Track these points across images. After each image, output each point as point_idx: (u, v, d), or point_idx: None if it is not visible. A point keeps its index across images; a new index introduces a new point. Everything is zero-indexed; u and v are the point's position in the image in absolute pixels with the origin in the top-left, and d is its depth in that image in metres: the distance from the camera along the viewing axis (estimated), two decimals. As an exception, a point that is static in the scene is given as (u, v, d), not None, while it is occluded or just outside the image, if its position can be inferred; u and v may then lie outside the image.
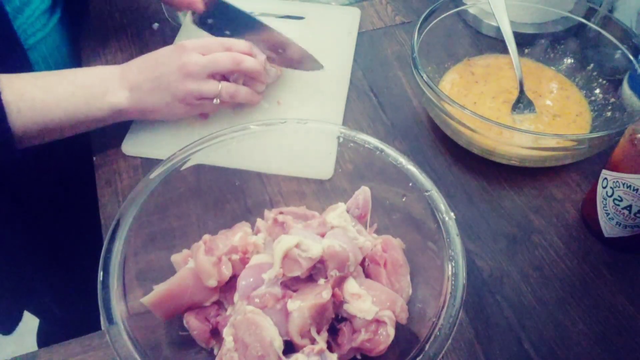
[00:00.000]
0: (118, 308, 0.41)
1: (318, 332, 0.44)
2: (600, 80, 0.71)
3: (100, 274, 0.42)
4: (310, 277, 0.45)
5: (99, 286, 0.42)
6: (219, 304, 0.48)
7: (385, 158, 0.51)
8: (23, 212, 0.76)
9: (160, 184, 0.49)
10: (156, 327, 0.46)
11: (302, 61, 0.69)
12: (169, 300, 0.46)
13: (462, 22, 0.80)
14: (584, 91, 0.72)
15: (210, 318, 0.47)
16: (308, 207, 0.54)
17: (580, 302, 0.54)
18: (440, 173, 0.65)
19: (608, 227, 0.56)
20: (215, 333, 0.47)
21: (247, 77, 0.65)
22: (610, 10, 0.77)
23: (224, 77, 0.64)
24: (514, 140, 0.59)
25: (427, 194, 0.48)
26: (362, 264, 0.49)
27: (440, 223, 0.46)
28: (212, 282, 0.46)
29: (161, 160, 0.51)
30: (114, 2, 0.88)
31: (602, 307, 0.54)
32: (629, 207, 0.53)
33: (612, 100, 0.68)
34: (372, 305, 0.44)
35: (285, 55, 0.69)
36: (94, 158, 0.66)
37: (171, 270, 0.49)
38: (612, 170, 0.54)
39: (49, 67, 0.69)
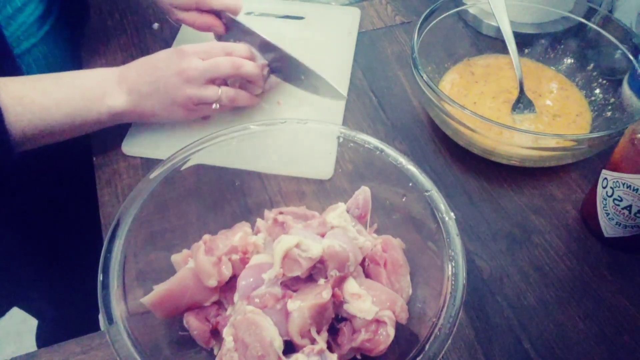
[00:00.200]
0: (118, 308, 0.41)
1: (318, 332, 0.44)
2: (600, 80, 0.71)
3: (100, 274, 0.42)
4: (310, 277, 0.45)
5: (99, 286, 0.42)
6: (219, 304, 0.48)
7: (385, 158, 0.51)
8: (22, 212, 0.76)
9: (160, 184, 0.49)
10: (156, 327, 0.46)
11: (322, 90, 0.67)
12: (169, 300, 0.46)
13: (462, 22, 0.80)
14: (584, 91, 0.72)
15: (210, 318, 0.47)
16: (308, 207, 0.54)
17: (580, 302, 0.54)
18: (440, 173, 0.65)
19: (608, 227, 0.56)
20: (215, 333, 0.47)
21: (245, 80, 0.65)
22: (610, 10, 0.77)
23: (223, 81, 0.64)
24: (514, 140, 0.59)
25: (427, 194, 0.48)
26: (362, 264, 0.49)
27: (440, 223, 0.46)
28: (212, 282, 0.46)
29: (161, 160, 0.50)
30: (114, 2, 0.88)
31: (602, 307, 0.54)
32: (629, 207, 0.53)
33: (612, 100, 0.68)
34: (372, 305, 0.44)
35: (308, 83, 0.67)
36: (94, 158, 0.66)
37: (171, 270, 0.49)
38: (612, 170, 0.54)
39: (41, 73, 0.69)
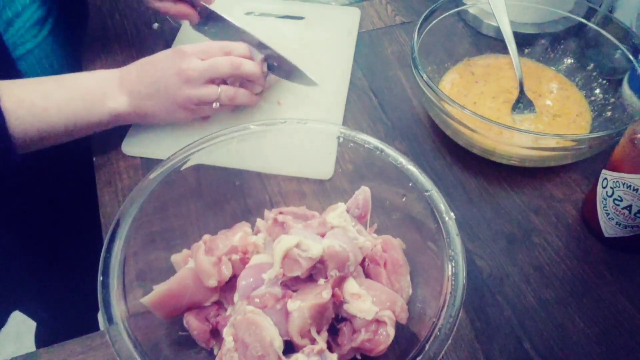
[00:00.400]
0: (118, 308, 0.41)
1: (318, 332, 0.44)
2: (600, 80, 0.71)
3: (100, 274, 0.42)
4: (310, 277, 0.45)
5: (99, 286, 0.42)
6: (219, 304, 0.48)
7: (385, 158, 0.51)
8: (22, 213, 0.76)
9: (160, 184, 0.49)
10: (156, 327, 0.46)
11: (295, 76, 0.69)
12: (169, 300, 0.46)
13: (462, 22, 0.80)
14: (584, 91, 0.72)
15: (210, 318, 0.47)
16: (308, 207, 0.54)
17: (580, 302, 0.54)
18: (440, 173, 0.65)
19: (608, 227, 0.56)
20: (215, 333, 0.47)
21: (245, 79, 0.65)
22: (610, 10, 0.77)
23: (222, 80, 0.64)
24: (514, 140, 0.59)
25: (427, 194, 0.48)
26: (362, 264, 0.49)
27: (440, 223, 0.46)
28: (212, 282, 0.46)
29: (161, 160, 0.50)
30: (114, 2, 0.88)
31: (602, 307, 0.54)
32: (629, 207, 0.53)
33: (612, 100, 0.68)
34: (372, 305, 0.44)
35: (280, 69, 0.69)
36: (94, 158, 0.66)
37: (171, 270, 0.49)
38: (612, 170, 0.54)
39: (39, 76, 0.69)
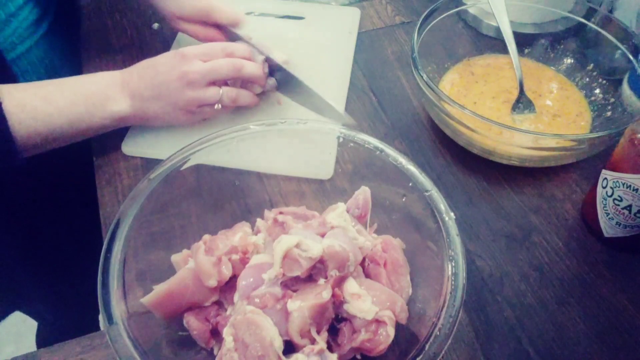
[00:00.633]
0: (118, 308, 0.41)
1: (318, 332, 0.44)
2: (600, 80, 0.71)
3: (100, 273, 0.42)
4: (310, 277, 0.45)
5: (99, 286, 0.42)
6: (219, 304, 0.48)
7: (385, 158, 0.51)
8: (23, 213, 0.76)
9: (160, 184, 0.49)
10: (156, 327, 0.46)
11: (325, 112, 0.66)
12: (169, 300, 0.46)
13: (462, 22, 0.80)
14: (584, 91, 0.72)
15: (210, 318, 0.47)
16: (308, 207, 0.54)
17: (580, 302, 0.54)
18: (440, 173, 0.65)
19: (608, 227, 0.56)
20: (215, 333, 0.47)
21: (246, 80, 0.65)
22: (610, 10, 0.77)
23: (224, 81, 0.64)
24: (514, 140, 0.59)
25: (427, 194, 0.48)
26: (362, 264, 0.49)
27: (440, 223, 0.46)
28: (212, 282, 0.46)
29: (161, 160, 0.50)
30: (114, 2, 0.88)
31: (602, 307, 0.54)
32: (629, 207, 0.53)
33: (612, 100, 0.68)
34: (372, 305, 0.44)
35: (311, 103, 0.67)
36: (94, 158, 0.66)
37: (171, 270, 0.49)
38: (612, 170, 0.54)
39: (35, 78, 0.69)
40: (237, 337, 0.43)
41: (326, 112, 0.66)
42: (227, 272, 0.46)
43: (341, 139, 0.53)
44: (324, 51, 0.79)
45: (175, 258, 0.50)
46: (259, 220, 0.53)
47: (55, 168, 0.75)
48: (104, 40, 0.81)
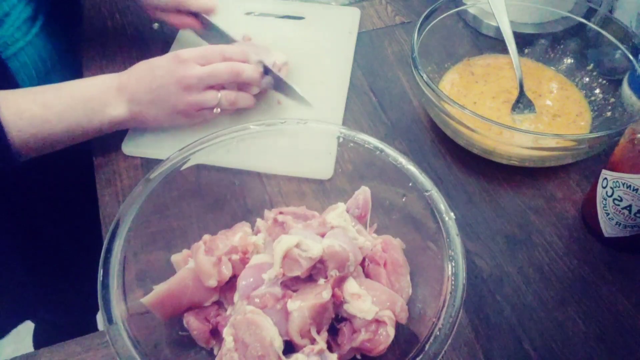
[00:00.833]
0: (118, 308, 0.41)
1: (318, 332, 0.44)
2: (600, 80, 0.71)
3: (100, 273, 0.42)
4: (310, 277, 0.45)
5: (99, 286, 0.42)
6: (219, 304, 0.48)
7: (385, 158, 0.51)
8: (22, 213, 0.76)
9: (160, 184, 0.49)
10: (156, 327, 0.46)
11: (291, 96, 0.70)
12: (169, 300, 0.46)
13: (462, 22, 0.80)
14: (584, 91, 0.72)
15: (210, 318, 0.47)
16: (308, 207, 0.54)
17: (580, 302, 0.54)
18: (440, 173, 0.65)
19: (608, 227, 0.56)
20: (215, 333, 0.47)
21: (243, 83, 0.65)
22: (610, 10, 0.77)
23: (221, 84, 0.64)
24: (514, 140, 0.59)
25: (427, 194, 0.48)
26: (362, 264, 0.49)
27: (440, 223, 0.46)
28: (212, 282, 0.46)
29: (161, 160, 0.51)
30: (114, 2, 0.88)
31: (602, 307, 0.54)
32: (629, 207, 0.53)
33: (612, 100, 0.68)
34: (372, 305, 0.44)
35: (278, 87, 0.70)
36: (94, 158, 0.66)
37: (171, 270, 0.49)
38: (612, 170, 0.54)
39: (30, 76, 0.69)
40: (237, 337, 0.43)
41: (291, 94, 0.69)
42: (227, 272, 0.46)
43: (341, 139, 0.53)
44: (324, 51, 0.79)
45: (175, 258, 0.50)
46: (259, 220, 0.53)
47: (55, 168, 0.75)
48: (104, 40, 0.81)
